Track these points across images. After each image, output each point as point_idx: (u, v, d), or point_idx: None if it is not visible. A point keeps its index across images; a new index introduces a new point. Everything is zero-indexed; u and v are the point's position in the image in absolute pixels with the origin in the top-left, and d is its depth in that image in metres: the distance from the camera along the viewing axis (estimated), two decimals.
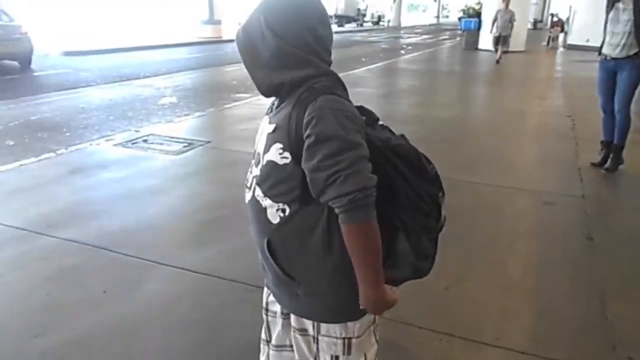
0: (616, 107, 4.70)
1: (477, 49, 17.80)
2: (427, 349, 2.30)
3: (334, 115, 1.15)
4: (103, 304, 2.60)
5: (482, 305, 2.65)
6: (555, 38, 21.73)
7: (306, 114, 1.16)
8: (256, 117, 6.50)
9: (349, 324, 1.31)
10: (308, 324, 1.34)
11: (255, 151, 1.33)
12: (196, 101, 8.56)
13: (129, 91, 9.54)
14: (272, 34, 1.20)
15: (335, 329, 1.32)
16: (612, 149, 4.82)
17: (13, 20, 12.35)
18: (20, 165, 4.72)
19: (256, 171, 1.29)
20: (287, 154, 1.20)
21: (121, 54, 16.02)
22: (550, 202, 4.08)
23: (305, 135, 1.16)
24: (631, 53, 4.45)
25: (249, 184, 1.33)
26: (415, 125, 6.59)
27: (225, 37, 22.48)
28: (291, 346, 1.42)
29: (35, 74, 11.42)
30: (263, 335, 1.54)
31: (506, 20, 13.73)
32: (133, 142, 5.58)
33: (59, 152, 5.21)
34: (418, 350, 2.29)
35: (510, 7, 13.71)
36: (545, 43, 21.57)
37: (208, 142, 5.54)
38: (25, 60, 12.00)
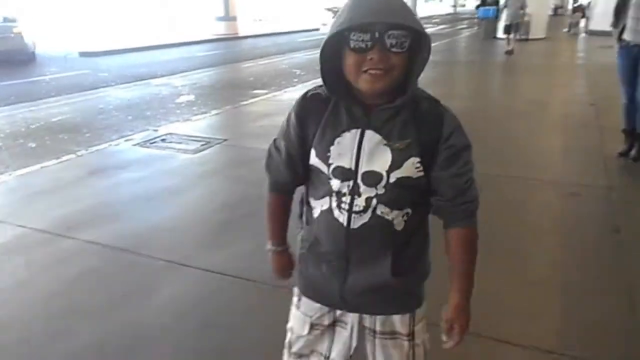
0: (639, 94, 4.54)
1: (495, 37, 17.45)
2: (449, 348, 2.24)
3: (459, 123, 1.25)
4: (124, 307, 2.61)
5: (506, 302, 2.59)
6: (576, 24, 21.23)
7: (445, 126, 1.21)
8: (273, 113, 6.49)
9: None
10: (404, 322, 1.37)
11: (350, 169, 1.23)
12: (213, 99, 8.58)
13: (146, 90, 9.62)
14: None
15: (422, 310, 1.41)
16: (637, 138, 4.68)
17: (14, 21, 13.05)
18: (42, 167, 4.77)
19: (370, 191, 1.22)
20: (421, 167, 1.22)
21: (137, 54, 16.18)
22: (575, 193, 3.97)
23: (445, 146, 1.21)
24: None
25: (358, 208, 1.24)
26: None
27: (240, 34, 22.54)
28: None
29: (54, 75, 11.58)
30: (312, 348, 1.46)
31: (517, 7, 13.08)
32: (151, 141, 5.61)
33: (79, 153, 5.26)
34: (440, 349, 2.24)
35: None
36: (566, 29, 21.11)
37: (225, 140, 5.54)
38: (23, 59, 12.91)
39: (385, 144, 1.20)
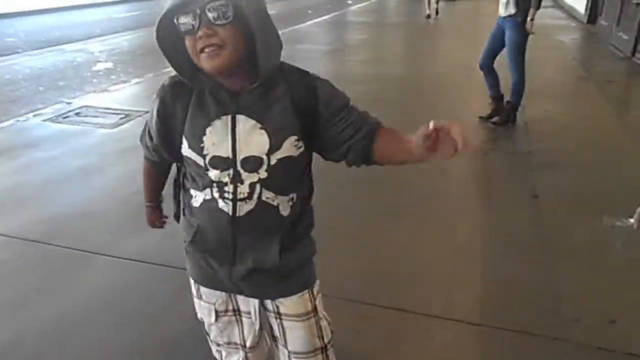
0: (509, 65, 4.75)
1: None
2: (378, 326, 2.28)
3: (332, 87, 1.24)
4: (36, 303, 2.43)
5: (431, 273, 2.65)
6: None
7: (319, 91, 1.19)
8: None
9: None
10: (304, 300, 1.37)
11: (228, 157, 1.18)
12: (134, 66, 8.09)
13: (60, 57, 8.91)
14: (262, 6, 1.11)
15: (318, 285, 1.43)
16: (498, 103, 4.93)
17: None
18: None
19: (252, 177, 1.18)
20: (301, 143, 1.20)
21: (50, 15, 14.92)
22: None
23: (324, 109, 1.18)
24: (512, 12, 4.47)
25: (242, 195, 1.20)
26: (363, 84, 6.47)
27: None
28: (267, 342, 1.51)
29: None
30: (226, 339, 1.47)
31: None
32: (64, 116, 5.21)
33: None
34: (368, 328, 2.27)
35: None
36: None
37: (147, 112, 5.20)
38: None
39: (260, 127, 1.17)
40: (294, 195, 1.26)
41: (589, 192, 3.51)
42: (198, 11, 1.03)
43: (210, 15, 1.04)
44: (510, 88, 4.80)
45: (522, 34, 4.51)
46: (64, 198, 3.46)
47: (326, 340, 1.43)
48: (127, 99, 5.96)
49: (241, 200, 1.21)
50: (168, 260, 2.66)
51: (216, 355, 1.56)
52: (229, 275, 1.31)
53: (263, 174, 1.19)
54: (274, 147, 1.17)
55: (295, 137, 1.19)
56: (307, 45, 9.22)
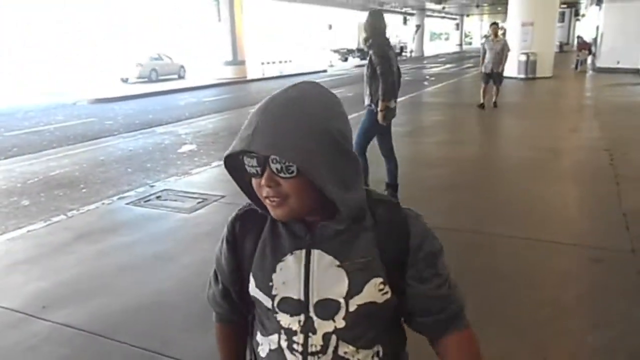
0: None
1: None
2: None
3: (431, 231, 1.04)
4: None
5: None
6: (584, 62, 21.20)
7: (412, 234, 1.01)
8: None
9: None
10: None
11: (299, 299, 1.01)
12: (216, 147, 8.43)
13: (149, 140, 9.52)
14: (343, 138, 0.96)
15: None
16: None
17: None
18: (28, 231, 4.55)
19: (327, 326, 1.00)
20: (387, 288, 1.01)
21: (146, 99, 16.29)
22: (597, 258, 3.65)
23: (416, 258, 1.01)
24: (366, 103, 4.80)
25: (314, 348, 1.01)
26: (440, 168, 6.25)
27: (249, 77, 22.81)
28: None
29: (60, 125, 11.58)
30: None
31: (497, 52, 10.51)
32: (146, 199, 5.39)
33: (69, 213, 5.04)
34: None
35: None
36: (573, 66, 21.04)
37: (223, 196, 5.31)
38: None
39: (338, 265, 0.98)
40: (379, 349, 1.04)
41: None
42: (262, 158, 0.92)
43: (273, 166, 0.91)
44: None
45: (371, 122, 4.77)
46: (135, 288, 3.43)
47: None
48: (206, 182, 6.11)
49: (313, 354, 1.01)
50: None
51: None
52: None
53: (340, 322, 0.99)
54: (353, 291, 0.98)
55: (381, 280, 0.99)
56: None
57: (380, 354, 1.04)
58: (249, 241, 1.06)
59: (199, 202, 5.19)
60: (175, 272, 3.67)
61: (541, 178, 5.82)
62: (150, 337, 2.82)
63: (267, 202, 0.96)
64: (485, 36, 11.17)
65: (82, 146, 9.10)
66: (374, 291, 0.99)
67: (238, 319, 1.18)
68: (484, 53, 10.79)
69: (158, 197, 5.44)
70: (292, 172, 0.90)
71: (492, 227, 4.27)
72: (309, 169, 0.89)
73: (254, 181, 0.96)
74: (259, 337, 1.10)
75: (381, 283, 0.99)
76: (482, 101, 10.99)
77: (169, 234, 4.42)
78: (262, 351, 1.08)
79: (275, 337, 1.05)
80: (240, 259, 1.08)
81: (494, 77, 10.84)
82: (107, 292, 3.37)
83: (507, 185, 5.61)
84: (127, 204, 5.27)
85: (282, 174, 0.91)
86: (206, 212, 4.88)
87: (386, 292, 1.00)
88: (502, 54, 10.57)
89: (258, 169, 0.92)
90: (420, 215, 1.05)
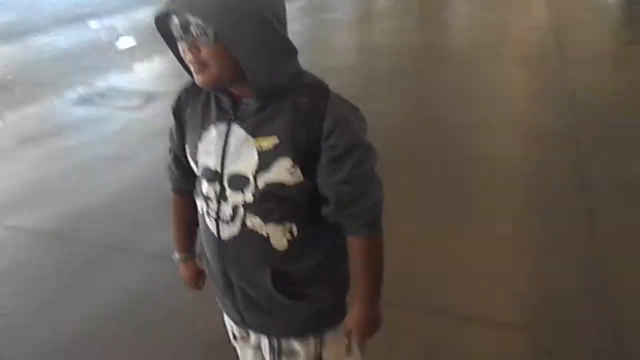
0: None
1: None
2: (413, 332, 2.14)
3: (355, 119, 1.03)
4: (59, 303, 2.38)
5: (473, 271, 2.47)
6: None
7: (326, 122, 0.99)
8: None
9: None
10: (310, 346, 1.21)
11: (216, 170, 1.06)
12: (158, 42, 7.90)
13: (84, 36, 8.84)
14: (277, 19, 0.95)
15: (340, 330, 1.22)
16: None
17: None
18: None
19: (239, 198, 1.04)
20: (298, 170, 1.01)
21: None
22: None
23: (327, 147, 1.00)
24: None
25: (225, 216, 1.07)
26: (389, 56, 6.19)
27: None
28: None
29: None
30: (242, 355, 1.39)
31: None
32: (89, 100, 5.14)
33: (7, 120, 4.77)
34: (403, 334, 2.13)
35: None
36: None
37: (170, 93, 5.10)
38: None
39: (250, 141, 1.02)
40: (291, 227, 1.08)
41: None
42: (184, 22, 0.91)
43: (193, 30, 0.91)
44: None
45: None
46: (91, 190, 3.39)
47: None
48: (152, 79, 5.87)
49: (224, 221, 1.08)
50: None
51: None
52: (233, 303, 1.19)
53: (249, 197, 1.04)
54: (261, 167, 1.01)
55: (290, 162, 1.01)
56: (328, 15, 8.92)
57: (295, 232, 1.08)
58: (188, 114, 1.12)
59: (146, 99, 5.01)
60: (130, 173, 3.62)
61: (489, 62, 5.88)
62: (111, 235, 2.86)
63: (191, 68, 0.97)
64: None
65: (7, 44, 8.37)
66: (283, 171, 1.01)
67: (190, 189, 1.23)
68: None
69: (102, 97, 5.20)
70: (210, 37, 0.90)
71: (434, 111, 4.37)
72: (227, 37, 0.90)
73: (179, 47, 0.97)
74: (198, 204, 1.18)
75: (291, 165, 1.01)
76: None
77: (119, 134, 4.30)
78: (199, 217, 1.18)
79: (201, 202, 1.13)
80: (184, 129, 1.14)
81: None
82: (63, 195, 3.33)
83: (456, 69, 5.65)
84: (69, 104, 5.02)
85: (201, 39, 0.91)
86: (154, 110, 4.73)
87: (296, 174, 1.02)
88: None
89: (181, 32, 0.92)
90: (354, 107, 1.04)
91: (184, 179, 1.22)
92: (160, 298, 2.36)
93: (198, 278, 1.36)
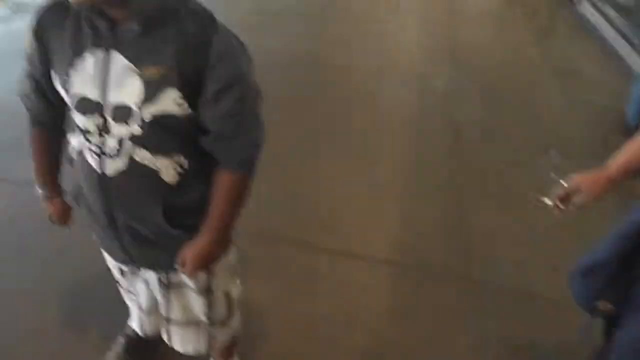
0: None
1: None
2: (293, 265, 2.24)
3: (240, 52, 1.01)
4: None
5: (349, 211, 2.61)
6: None
7: (212, 51, 0.96)
8: None
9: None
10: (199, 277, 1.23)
11: (97, 101, 0.99)
12: None
13: None
14: None
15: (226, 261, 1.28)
16: None
17: None
18: None
19: (124, 130, 0.98)
20: (185, 102, 0.99)
21: None
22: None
23: (212, 76, 0.98)
24: None
25: (109, 150, 1.01)
26: None
27: None
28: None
29: None
30: (129, 288, 1.39)
31: None
32: None
33: None
34: (283, 266, 2.22)
35: None
36: None
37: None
38: None
39: (134, 70, 0.97)
40: (180, 159, 1.06)
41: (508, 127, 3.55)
42: None
43: None
44: None
45: None
46: None
47: (218, 318, 1.34)
48: None
49: (109, 156, 1.02)
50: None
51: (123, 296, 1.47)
52: (118, 242, 1.17)
53: (136, 129, 0.99)
54: (147, 98, 0.97)
55: (178, 93, 0.97)
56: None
57: (185, 164, 1.07)
58: (53, 34, 1.01)
59: (13, 10, 4.43)
60: None
61: (380, 12, 5.93)
62: None
63: None
64: None
65: None
66: (170, 103, 0.98)
67: (53, 122, 1.15)
68: None
69: None
70: None
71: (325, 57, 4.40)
72: None
73: None
74: (71, 138, 1.10)
75: (179, 97, 0.98)
76: None
77: None
78: (74, 152, 1.10)
79: (79, 137, 1.05)
80: (47, 50, 1.03)
81: None
82: None
83: (352, 18, 5.63)
84: None
85: None
86: (23, 23, 4.19)
87: (184, 106, 1.00)
88: None
89: None
90: (241, 42, 1.02)
91: (46, 112, 1.13)
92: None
93: (65, 214, 1.30)
